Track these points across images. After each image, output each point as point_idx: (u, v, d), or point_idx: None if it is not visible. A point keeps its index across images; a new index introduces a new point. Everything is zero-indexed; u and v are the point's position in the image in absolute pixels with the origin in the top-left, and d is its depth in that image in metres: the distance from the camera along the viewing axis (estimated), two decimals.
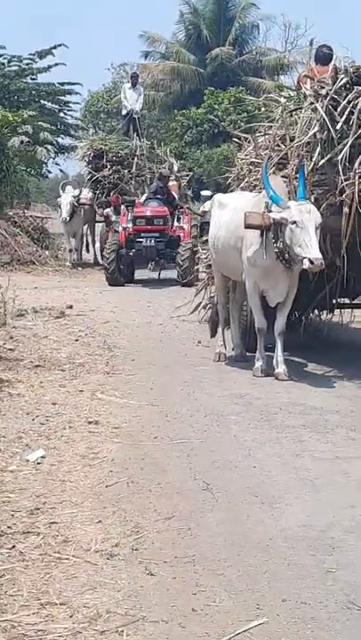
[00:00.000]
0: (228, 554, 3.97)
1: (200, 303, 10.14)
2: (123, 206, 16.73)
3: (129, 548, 4.00)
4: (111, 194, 18.24)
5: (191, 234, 16.00)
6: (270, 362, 7.84)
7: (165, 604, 3.47)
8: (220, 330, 8.97)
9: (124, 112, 20.54)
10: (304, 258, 7.14)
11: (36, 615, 3.35)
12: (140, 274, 16.76)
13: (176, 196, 17.14)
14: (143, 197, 16.91)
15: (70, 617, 3.34)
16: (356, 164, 7.33)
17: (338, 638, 3.25)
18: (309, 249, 7.13)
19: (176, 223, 16.27)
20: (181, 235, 16.01)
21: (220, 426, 6.22)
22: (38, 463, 5.18)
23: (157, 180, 17.12)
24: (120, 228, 16.02)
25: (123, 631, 3.24)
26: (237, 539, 4.15)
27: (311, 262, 7.08)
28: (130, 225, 15.91)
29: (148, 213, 15.80)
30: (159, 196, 16.39)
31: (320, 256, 7.12)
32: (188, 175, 21.56)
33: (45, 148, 24.02)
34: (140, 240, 15.50)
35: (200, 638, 3.22)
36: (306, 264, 7.15)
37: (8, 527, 4.19)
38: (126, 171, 18.81)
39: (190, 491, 4.80)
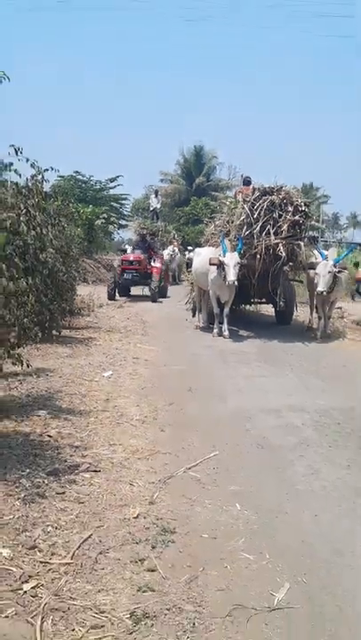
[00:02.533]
0: (199, 421, 3.96)
1: (188, 300, 10.08)
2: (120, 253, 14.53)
3: (152, 418, 3.99)
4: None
5: (162, 270, 13.94)
6: (221, 330, 7.81)
7: (169, 445, 3.46)
8: (197, 313, 8.93)
9: (150, 209, 20.42)
10: (227, 280, 7.24)
11: (107, 450, 3.34)
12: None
13: (175, 249, 16.23)
14: (129, 249, 14.56)
15: (123, 450, 3.33)
16: (263, 235, 7.38)
17: (252, 463, 3.25)
18: (228, 276, 7.24)
19: (152, 264, 13.85)
20: (154, 271, 13.62)
21: (197, 360, 6.19)
22: (109, 377, 5.15)
23: (139, 236, 14.69)
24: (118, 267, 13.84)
25: (149, 458, 3.24)
26: (204, 414, 4.14)
27: (229, 283, 7.25)
28: (121, 265, 13.77)
29: (130, 258, 13.54)
30: (141, 247, 14.03)
31: (233, 279, 7.21)
32: (181, 238, 21.48)
33: (113, 225, 23.80)
34: (124, 274, 13.48)
35: (185, 461, 3.21)
36: (227, 284, 7.31)
37: (94, 407, 4.17)
38: (156, 237, 17.94)
39: (182, 390, 4.78)
